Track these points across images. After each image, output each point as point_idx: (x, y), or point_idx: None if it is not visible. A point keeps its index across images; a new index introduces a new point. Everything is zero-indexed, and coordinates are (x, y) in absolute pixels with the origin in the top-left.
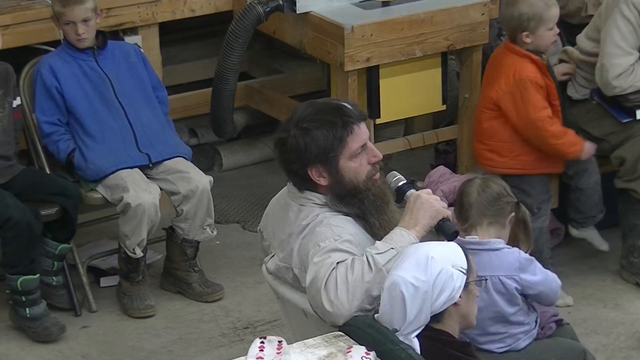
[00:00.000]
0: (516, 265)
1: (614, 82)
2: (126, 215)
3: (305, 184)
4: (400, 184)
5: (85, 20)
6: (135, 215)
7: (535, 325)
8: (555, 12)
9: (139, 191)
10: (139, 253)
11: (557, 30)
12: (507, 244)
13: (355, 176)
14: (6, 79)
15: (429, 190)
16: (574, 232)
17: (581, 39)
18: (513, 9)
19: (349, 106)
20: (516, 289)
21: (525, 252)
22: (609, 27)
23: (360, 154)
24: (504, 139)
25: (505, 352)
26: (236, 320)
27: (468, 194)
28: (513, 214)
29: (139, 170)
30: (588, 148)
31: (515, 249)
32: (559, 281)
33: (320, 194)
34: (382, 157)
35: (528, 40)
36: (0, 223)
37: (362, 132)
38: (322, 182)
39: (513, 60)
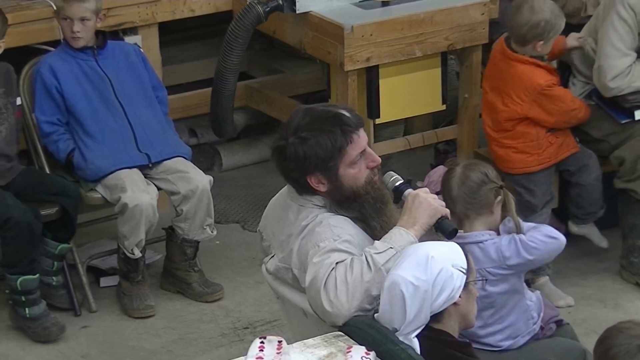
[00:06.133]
0: (499, 256)
1: (610, 84)
2: (124, 216)
3: (304, 190)
4: (398, 183)
5: (82, 19)
6: (133, 216)
7: (538, 319)
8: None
9: (137, 191)
10: (137, 254)
11: None
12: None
13: (355, 182)
14: (8, 78)
15: (426, 189)
16: (574, 228)
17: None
18: (537, 16)
19: (347, 114)
20: (510, 274)
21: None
22: (605, 28)
23: (359, 160)
24: (531, 139)
25: (505, 349)
26: (236, 320)
27: (450, 188)
28: (500, 197)
29: (138, 171)
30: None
31: (498, 238)
32: (549, 239)
33: (319, 196)
34: (380, 161)
35: (539, 49)
36: (0, 223)
37: (361, 140)
38: (322, 188)
39: (520, 70)
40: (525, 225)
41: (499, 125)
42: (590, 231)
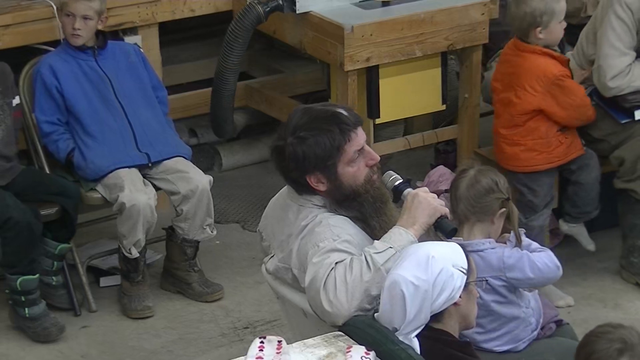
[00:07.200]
0: (500, 265)
1: (610, 84)
2: (122, 216)
3: (304, 189)
4: (397, 183)
5: (85, 18)
6: (131, 216)
7: (537, 326)
8: (564, 4)
9: (134, 191)
10: (134, 253)
11: (565, 24)
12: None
13: (354, 180)
14: (3, 78)
15: (425, 188)
16: (564, 227)
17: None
18: (525, 6)
19: (345, 113)
20: (504, 286)
21: (515, 247)
22: (604, 28)
23: (358, 158)
24: (541, 136)
25: (506, 351)
26: (236, 320)
27: (457, 187)
28: (504, 209)
29: (137, 171)
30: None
31: (500, 248)
32: (553, 266)
33: (319, 196)
34: (379, 159)
35: (541, 36)
36: (0, 223)
37: (359, 138)
38: (321, 187)
39: (533, 60)
40: (533, 244)
41: (512, 120)
42: (579, 232)
